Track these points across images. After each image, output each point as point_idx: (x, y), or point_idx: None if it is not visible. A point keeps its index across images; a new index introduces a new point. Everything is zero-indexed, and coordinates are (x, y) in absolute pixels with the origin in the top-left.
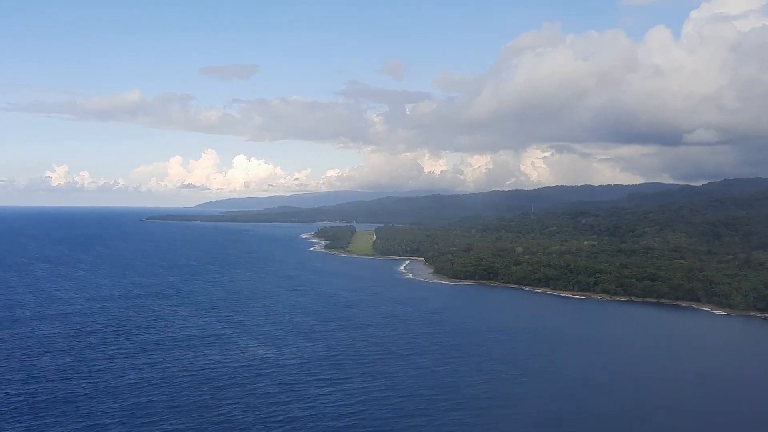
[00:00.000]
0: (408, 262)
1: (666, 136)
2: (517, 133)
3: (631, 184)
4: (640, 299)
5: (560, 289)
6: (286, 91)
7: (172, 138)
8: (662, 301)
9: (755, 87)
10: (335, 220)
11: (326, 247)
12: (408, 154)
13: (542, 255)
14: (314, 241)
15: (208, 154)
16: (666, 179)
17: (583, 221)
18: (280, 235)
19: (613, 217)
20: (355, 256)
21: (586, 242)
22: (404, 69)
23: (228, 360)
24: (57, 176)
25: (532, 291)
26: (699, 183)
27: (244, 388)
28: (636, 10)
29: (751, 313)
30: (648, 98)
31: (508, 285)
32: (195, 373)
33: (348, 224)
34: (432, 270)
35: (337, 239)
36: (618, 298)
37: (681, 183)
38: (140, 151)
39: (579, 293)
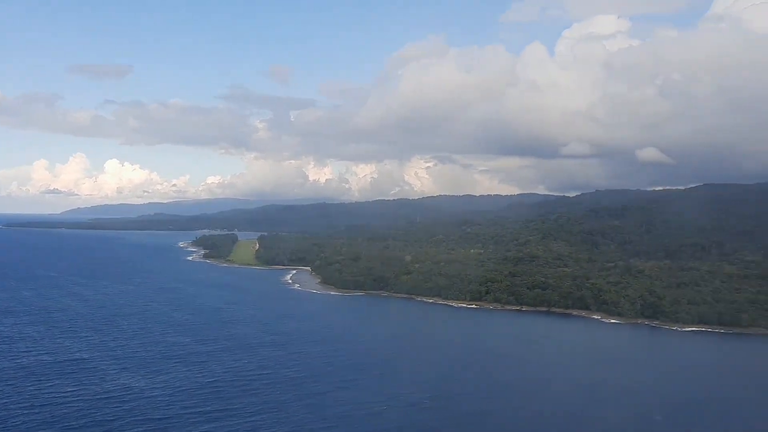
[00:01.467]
0: (294, 271)
1: (542, 149)
2: (402, 143)
3: (508, 194)
4: (531, 308)
5: (452, 299)
6: (165, 93)
7: (35, 140)
8: (553, 309)
9: (623, 104)
10: (216, 228)
11: (205, 256)
12: (293, 161)
13: (431, 263)
14: (192, 249)
15: (77, 157)
16: (541, 190)
17: (468, 230)
18: (155, 244)
19: (496, 226)
20: (236, 265)
21: (472, 250)
22: (289, 74)
23: (83, 392)
24: None
25: (423, 301)
26: (572, 194)
27: (100, 428)
28: (514, 26)
29: (639, 321)
30: (526, 112)
31: (399, 295)
32: (37, 410)
33: (229, 232)
34: (319, 280)
35: (217, 248)
36: (510, 308)
37: (555, 194)
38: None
39: (471, 303)
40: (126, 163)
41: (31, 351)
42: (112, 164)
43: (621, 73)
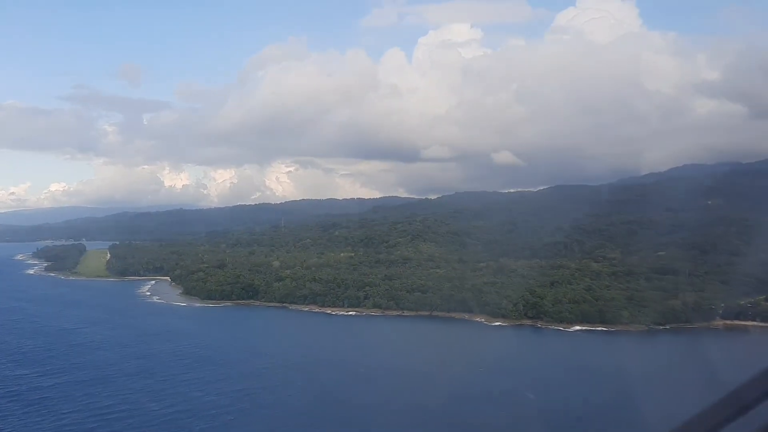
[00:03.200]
0: (152, 282)
1: (403, 153)
2: (262, 147)
3: (370, 197)
4: (413, 312)
5: (329, 306)
6: None
7: None
8: (436, 313)
9: (478, 109)
10: (61, 238)
11: (48, 269)
12: (146, 167)
13: (301, 269)
14: (33, 262)
15: None
16: (402, 193)
17: (336, 233)
18: None
19: (364, 228)
20: (84, 278)
21: (342, 254)
22: (141, 74)
23: None
24: None
25: (298, 309)
26: (433, 196)
27: None
28: (374, 31)
29: (523, 322)
30: (386, 116)
31: (271, 304)
32: None
33: (76, 242)
34: (181, 291)
35: (61, 260)
36: (391, 313)
37: (416, 197)
38: None
39: (349, 309)
40: None
41: None
42: None
43: (476, 80)
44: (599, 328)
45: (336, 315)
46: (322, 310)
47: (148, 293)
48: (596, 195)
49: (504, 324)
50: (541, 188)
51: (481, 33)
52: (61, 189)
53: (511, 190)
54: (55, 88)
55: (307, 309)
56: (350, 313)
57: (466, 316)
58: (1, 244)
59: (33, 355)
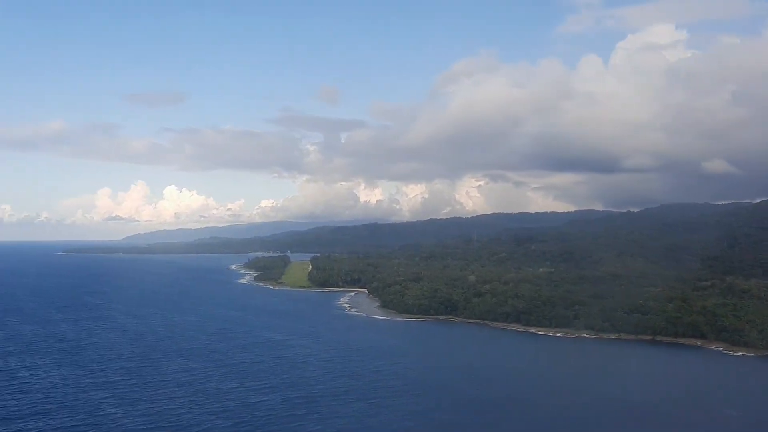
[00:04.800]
0: (351, 294)
1: (600, 164)
2: (452, 162)
3: (564, 211)
4: (632, 336)
5: (534, 325)
6: (218, 119)
7: (98, 169)
8: (660, 338)
9: (686, 114)
10: (268, 250)
11: (257, 278)
12: (344, 183)
13: (500, 284)
14: (244, 272)
15: (138, 185)
16: (598, 206)
17: (533, 247)
18: (207, 267)
19: (562, 242)
20: (288, 288)
21: (541, 269)
22: (339, 95)
23: None
24: None
25: (500, 327)
26: (633, 209)
27: None
28: (569, 38)
29: None
30: (582, 126)
31: (470, 320)
32: None
33: (282, 254)
34: (378, 304)
35: (268, 270)
36: (605, 336)
37: (614, 210)
38: (65, 183)
39: (557, 330)
40: (184, 189)
41: (47, 399)
42: (170, 190)
43: (683, 83)
44: None
45: (543, 336)
46: (526, 329)
47: (347, 305)
48: None
49: (749, 354)
50: (762, 200)
51: (687, 34)
52: (270, 205)
53: (725, 202)
54: (264, 112)
55: (509, 328)
56: (558, 334)
57: (698, 342)
58: (219, 255)
59: (243, 367)
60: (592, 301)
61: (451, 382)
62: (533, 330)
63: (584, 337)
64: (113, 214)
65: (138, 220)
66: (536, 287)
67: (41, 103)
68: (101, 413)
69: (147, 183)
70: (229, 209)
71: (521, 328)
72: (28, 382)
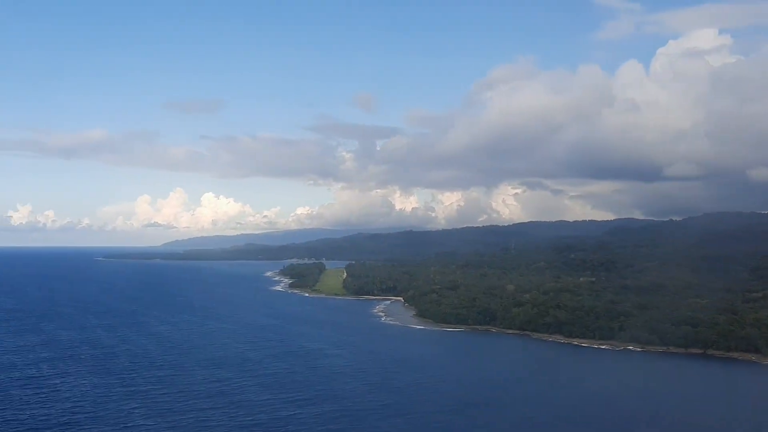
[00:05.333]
0: (386, 302)
1: (640, 172)
2: (489, 169)
3: (603, 220)
4: (681, 350)
5: (576, 337)
6: (255, 126)
7: (138, 176)
8: (711, 352)
9: (731, 121)
10: (303, 257)
11: (292, 285)
12: (379, 191)
13: (539, 294)
14: (279, 279)
15: (176, 192)
16: (638, 215)
17: (572, 256)
18: (242, 273)
19: (602, 251)
20: (323, 295)
21: (581, 279)
22: (374, 102)
23: None
24: (19, 216)
25: (541, 339)
26: (674, 218)
27: None
28: (608, 44)
29: None
30: (622, 133)
31: (510, 331)
32: None
33: (317, 261)
34: (414, 312)
35: (303, 277)
36: (652, 349)
37: (655, 219)
38: (107, 190)
39: (601, 342)
40: (221, 196)
41: (75, 409)
42: (207, 197)
43: (728, 89)
44: None
45: (587, 348)
46: (568, 341)
47: (383, 313)
48: None
49: None
50: None
51: (731, 39)
52: (306, 212)
53: None
54: (301, 119)
55: (551, 339)
56: (603, 347)
57: (753, 357)
58: (255, 262)
59: (276, 378)
60: (637, 312)
61: (497, 398)
62: (576, 341)
63: (630, 349)
64: (152, 221)
65: (176, 227)
66: (577, 297)
67: (83, 112)
68: (130, 424)
69: (185, 190)
70: (265, 216)
71: (563, 340)
72: (59, 390)
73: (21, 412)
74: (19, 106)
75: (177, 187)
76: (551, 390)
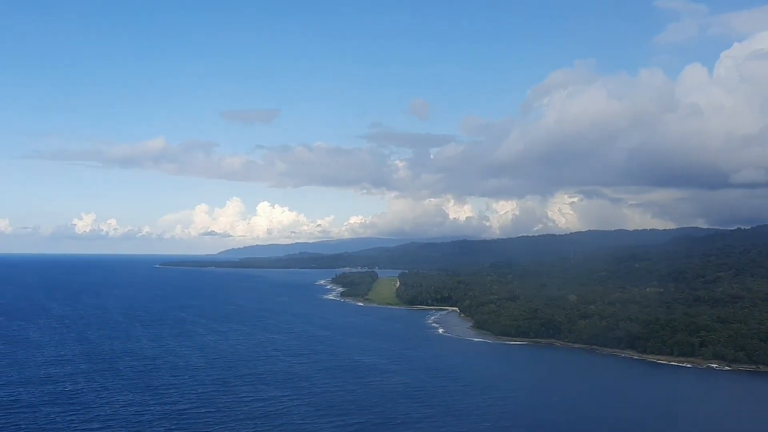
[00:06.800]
0: (441, 313)
1: (704, 179)
2: (544, 178)
3: (664, 229)
4: None
5: (652, 353)
6: (309, 135)
7: (196, 185)
8: None
9: None
10: (356, 266)
11: (343, 294)
12: (432, 200)
13: (604, 305)
14: (330, 287)
15: (233, 202)
16: (701, 224)
17: (636, 266)
18: (295, 282)
19: (668, 261)
20: (375, 305)
21: (648, 289)
22: (429, 109)
23: None
24: (83, 224)
25: (611, 354)
26: (744, 227)
27: None
28: (670, 48)
29: None
30: (685, 139)
31: (575, 345)
32: None
33: (369, 270)
34: (471, 324)
35: (355, 286)
36: (740, 367)
37: (719, 228)
38: (166, 199)
39: (680, 359)
40: (276, 205)
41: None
42: (263, 207)
43: None
44: None
45: (666, 365)
46: (642, 356)
47: (438, 325)
48: None
49: None
50: None
51: None
52: (359, 221)
53: None
54: (355, 128)
55: (622, 354)
56: (685, 364)
57: None
58: (308, 270)
59: (326, 397)
60: (718, 326)
61: (576, 425)
62: (651, 358)
63: (713, 368)
64: (209, 229)
65: (232, 235)
66: (646, 308)
67: (143, 122)
68: None
69: (241, 199)
70: (318, 225)
71: (636, 356)
72: (90, 408)
73: None
74: (82, 117)
75: (233, 196)
76: (643, 418)
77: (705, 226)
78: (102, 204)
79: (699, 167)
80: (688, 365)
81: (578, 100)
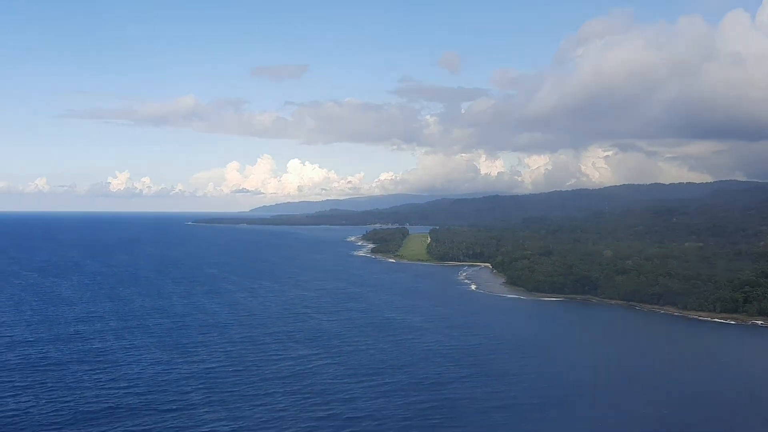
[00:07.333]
0: (473, 269)
1: (744, 131)
2: (578, 131)
3: (702, 182)
4: None
5: (693, 309)
6: (338, 91)
7: (227, 143)
8: None
9: None
10: (387, 222)
11: (374, 251)
12: (463, 155)
13: (641, 260)
14: (361, 244)
15: (264, 159)
16: (740, 177)
17: (674, 220)
18: (325, 238)
19: (707, 215)
20: (406, 261)
21: (687, 244)
22: (460, 62)
23: None
24: (117, 182)
25: (650, 310)
26: None
27: None
28: None
29: None
30: (725, 89)
31: (612, 301)
32: None
33: (400, 226)
34: (504, 280)
35: (386, 242)
36: None
37: (759, 181)
38: (198, 157)
39: (723, 315)
40: (306, 163)
41: (121, 398)
42: (293, 164)
43: None
44: None
45: (708, 322)
46: (683, 313)
47: (469, 281)
48: None
49: None
50: None
51: None
52: (389, 178)
53: None
54: (385, 83)
55: (662, 311)
56: (728, 321)
57: None
58: (338, 227)
59: (358, 356)
60: (763, 281)
61: (629, 388)
62: (693, 314)
63: (759, 324)
64: (241, 187)
65: (263, 193)
66: (685, 263)
67: (174, 80)
68: (184, 413)
69: (272, 156)
70: (349, 182)
71: (677, 312)
72: (118, 366)
73: (71, 392)
74: (113, 75)
75: (264, 153)
76: (696, 382)
77: (744, 179)
78: (136, 162)
79: (739, 118)
80: (732, 322)
81: (614, 50)
